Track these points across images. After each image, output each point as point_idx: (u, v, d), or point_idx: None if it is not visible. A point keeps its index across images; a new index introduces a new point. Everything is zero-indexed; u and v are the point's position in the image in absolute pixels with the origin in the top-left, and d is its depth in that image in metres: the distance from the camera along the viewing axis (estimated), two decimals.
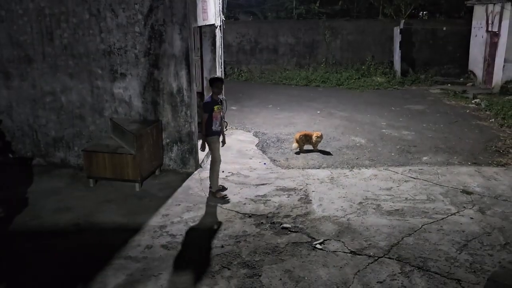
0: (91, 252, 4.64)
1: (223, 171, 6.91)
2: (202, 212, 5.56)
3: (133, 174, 6.12)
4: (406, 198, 5.95)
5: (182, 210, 5.62)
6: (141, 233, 5.03)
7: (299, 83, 15.25)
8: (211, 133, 5.88)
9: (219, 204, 5.76)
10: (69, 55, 6.68)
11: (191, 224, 5.24)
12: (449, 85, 14.58)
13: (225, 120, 9.44)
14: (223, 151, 8.03)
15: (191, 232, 5.06)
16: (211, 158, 5.95)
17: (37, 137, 7.11)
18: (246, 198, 5.98)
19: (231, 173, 6.85)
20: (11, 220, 5.36)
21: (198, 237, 4.95)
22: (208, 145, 5.91)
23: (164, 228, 5.15)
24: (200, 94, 8.70)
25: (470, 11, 15.68)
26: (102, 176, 6.26)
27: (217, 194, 5.97)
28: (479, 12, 14.71)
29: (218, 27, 8.62)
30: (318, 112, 11.08)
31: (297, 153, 7.90)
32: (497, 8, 13.14)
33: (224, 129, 9.24)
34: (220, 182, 6.50)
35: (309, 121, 10.12)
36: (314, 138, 7.92)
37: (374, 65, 16.10)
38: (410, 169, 7.03)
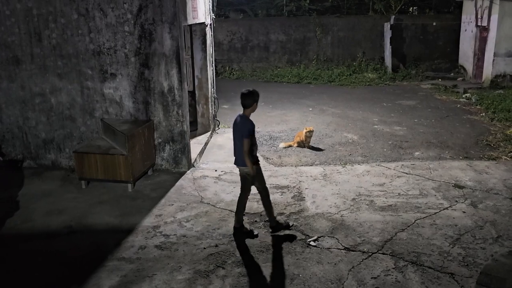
0: (84, 254, 4.61)
1: (215, 170, 6.91)
2: (195, 211, 5.55)
3: (125, 175, 6.09)
4: (399, 194, 5.99)
5: (175, 210, 5.61)
6: (134, 233, 5.02)
7: (290, 80, 15.26)
8: (256, 161, 4.79)
9: (212, 204, 5.75)
10: (58, 56, 6.63)
11: (185, 224, 5.23)
12: (440, 80, 14.67)
13: (217, 118, 9.45)
14: (216, 149, 8.08)
15: (185, 232, 5.05)
16: (260, 188, 4.87)
17: (27, 139, 7.05)
18: None
19: (224, 172, 6.85)
20: (3, 223, 5.31)
21: (192, 236, 4.95)
22: (252, 176, 4.78)
23: (157, 228, 5.14)
24: (192, 93, 8.69)
25: (459, 6, 15.78)
26: (94, 177, 6.23)
27: (243, 229, 4.98)
28: (468, 7, 14.81)
29: (209, 26, 8.59)
30: (310, 109, 11.10)
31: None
32: (486, 2, 13.24)
33: (216, 128, 9.29)
34: (213, 181, 6.51)
35: (302, 118, 10.13)
36: (304, 132, 7.95)
37: (365, 61, 16.16)
38: (402, 165, 7.07)
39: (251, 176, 4.76)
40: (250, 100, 4.77)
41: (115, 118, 6.78)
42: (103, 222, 5.31)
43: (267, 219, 5.11)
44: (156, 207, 5.69)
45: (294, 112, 10.81)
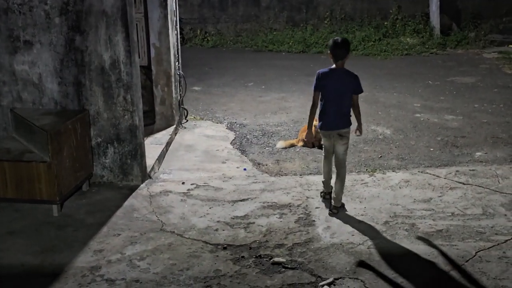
0: None
1: (183, 182, 6.91)
2: (153, 244, 5.53)
3: (48, 192, 6.06)
4: (452, 214, 6.02)
5: (123, 242, 5.59)
6: (62, 279, 4.98)
7: (292, 49, 15.27)
8: None
9: (178, 233, 5.74)
10: None
11: (138, 263, 5.21)
12: (511, 46, 14.78)
13: (184, 106, 9.43)
14: (183, 152, 8.06)
15: (138, 275, 5.02)
16: (345, 156, 6.26)
17: None
18: (218, 221, 5.97)
19: (195, 185, 6.84)
20: None
21: (149, 281, 4.92)
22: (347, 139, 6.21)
23: (97, 270, 5.11)
24: (146, 70, 8.65)
25: None
26: (0, 196, 6.18)
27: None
28: None
29: None
30: None
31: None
32: None
33: (183, 120, 9.27)
34: (179, 199, 6.53)
35: (309, 105, 9.97)
36: (314, 125, 7.92)
37: (401, 19, 16.21)
38: (457, 171, 7.12)
39: (347, 140, 6.17)
40: (346, 49, 5.95)
41: (32, 108, 6.74)
42: (15, 263, 5.26)
43: (333, 195, 6.17)
44: (95, 239, 5.65)
45: (298, 96, 10.83)
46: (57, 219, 6.08)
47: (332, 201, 6.17)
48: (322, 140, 6.38)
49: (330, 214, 6.07)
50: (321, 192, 6.49)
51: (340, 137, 6.07)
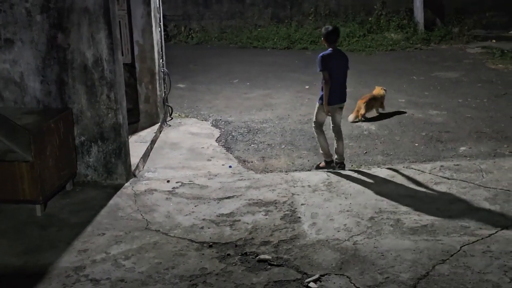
0: None
1: (168, 181, 6.90)
2: (138, 243, 5.51)
3: (31, 191, 6.01)
4: (437, 208, 6.05)
5: (108, 242, 5.57)
6: (46, 279, 4.95)
7: (277, 45, 15.30)
8: None
9: (163, 231, 5.73)
10: None
11: (123, 262, 5.19)
12: (494, 41, 14.90)
13: (169, 104, 9.41)
14: (168, 150, 8.05)
15: (123, 274, 5.00)
16: (340, 124, 7.28)
17: None
18: (203, 219, 5.96)
19: (180, 183, 6.83)
20: None
21: (134, 281, 4.91)
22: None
23: (81, 270, 5.08)
24: (130, 67, 8.61)
25: None
26: None
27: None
28: None
29: None
30: (307, 87, 11.15)
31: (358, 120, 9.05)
32: None
33: (168, 118, 9.26)
34: (164, 198, 6.52)
35: (294, 101, 10.18)
36: (381, 90, 9.27)
37: (385, 15, 16.29)
38: (441, 166, 7.17)
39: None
40: (337, 34, 7.08)
41: (14, 107, 6.69)
42: None
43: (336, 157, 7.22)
44: (79, 239, 5.62)
45: (283, 92, 10.85)
46: (41, 219, 6.04)
47: (337, 158, 7.18)
48: (318, 115, 7.18)
49: (339, 168, 7.13)
50: (324, 160, 7.29)
51: (340, 109, 7.16)
